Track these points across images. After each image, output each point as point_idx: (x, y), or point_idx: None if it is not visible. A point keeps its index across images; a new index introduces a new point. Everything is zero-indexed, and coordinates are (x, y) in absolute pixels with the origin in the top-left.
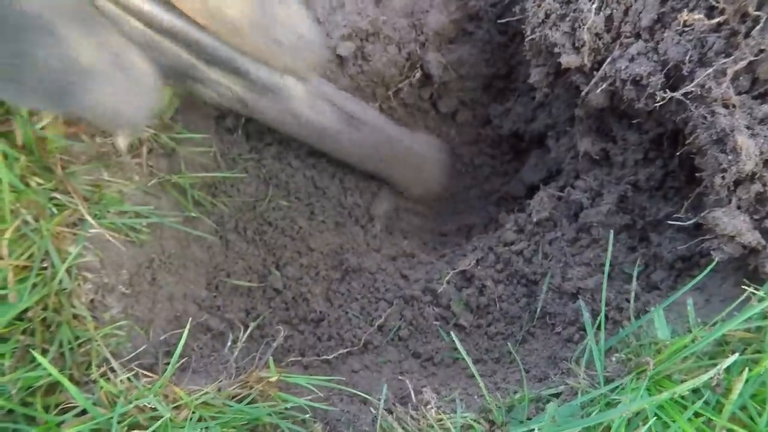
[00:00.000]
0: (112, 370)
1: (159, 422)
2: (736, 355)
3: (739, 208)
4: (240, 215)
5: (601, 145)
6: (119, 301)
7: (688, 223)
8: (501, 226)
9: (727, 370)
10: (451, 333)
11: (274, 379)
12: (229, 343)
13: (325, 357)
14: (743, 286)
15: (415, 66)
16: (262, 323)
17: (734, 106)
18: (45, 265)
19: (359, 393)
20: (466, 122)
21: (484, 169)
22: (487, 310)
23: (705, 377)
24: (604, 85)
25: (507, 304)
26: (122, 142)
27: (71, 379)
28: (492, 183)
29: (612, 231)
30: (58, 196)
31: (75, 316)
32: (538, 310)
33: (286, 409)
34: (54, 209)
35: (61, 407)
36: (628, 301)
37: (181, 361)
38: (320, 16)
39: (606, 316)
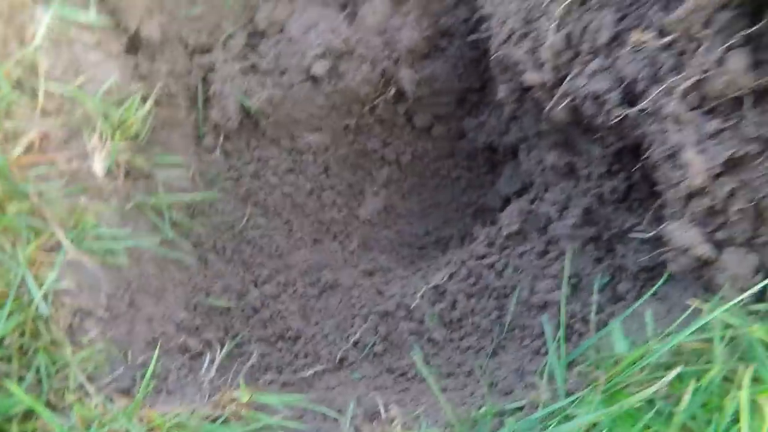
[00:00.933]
0: (87, 394)
1: None
2: (680, 368)
3: (693, 221)
4: (218, 235)
5: (567, 158)
6: (97, 324)
7: (650, 234)
8: (474, 240)
9: (680, 380)
10: (415, 351)
11: (245, 400)
12: (206, 364)
13: (301, 375)
14: (689, 300)
15: (389, 83)
16: (240, 342)
17: (685, 122)
18: (22, 290)
19: (327, 412)
20: (441, 136)
21: (461, 182)
22: (459, 324)
23: (651, 390)
24: (565, 101)
25: (479, 317)
26: (98, 166)
27: (48, 404)
28: (469, 195)
29: (571, 245)
30: (33, 222)
31: (52, 342)
32: (507, 323)
33: (257, 429)
34: (30, 235)
35: None
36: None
37: (155, 383)
38: (294, 35)
39: (571, 329)
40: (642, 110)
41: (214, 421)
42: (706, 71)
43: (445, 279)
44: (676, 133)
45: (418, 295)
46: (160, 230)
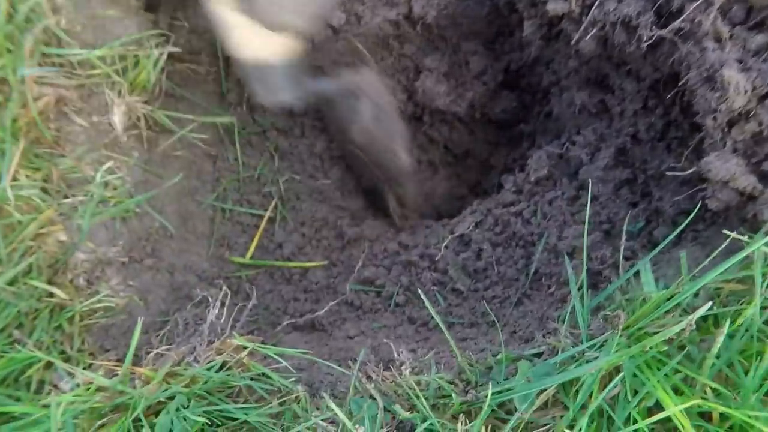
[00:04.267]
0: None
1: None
2: (709, 304)
3: (735, 151)
4: (242, 188)
5: (599, 96)
6: (118, 273)
7: (688, 172)
8: (501, 188)
9: (716, 323)
10: (435, 300)
11: (245, 352)
12: (215, 311)
13: (321, 323)
14: (725, 232)
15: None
16: (263, 293)
17: (726, 38)
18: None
19: (330, 364)
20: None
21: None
22: (484, 274)
23: (676, 329)
24: (594, 31)
25: (504, 267)
26: (118, 120)
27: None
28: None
29: (590, 183)
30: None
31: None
32: (533, 271)
33: (258, 375)
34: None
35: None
36: (625, 258)
37: (168, 332)
38: None
39: (601, 275)
40: (678, 31)
41: (220, 368)
42: None
43: (470, 228)
44: (715, 51)
45: (443, 245)
46: (182, 183)
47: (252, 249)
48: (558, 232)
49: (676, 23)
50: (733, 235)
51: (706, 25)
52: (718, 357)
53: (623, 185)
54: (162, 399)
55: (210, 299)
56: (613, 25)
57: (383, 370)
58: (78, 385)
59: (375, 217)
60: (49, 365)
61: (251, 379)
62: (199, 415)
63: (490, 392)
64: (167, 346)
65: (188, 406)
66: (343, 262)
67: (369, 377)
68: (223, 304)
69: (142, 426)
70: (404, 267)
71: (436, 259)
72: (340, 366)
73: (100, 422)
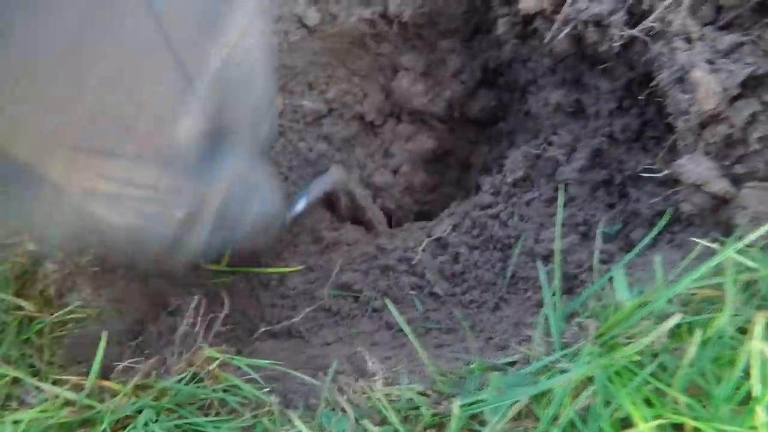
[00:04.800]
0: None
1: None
2: (680, 315)
3: (707, 153)
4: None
5: (574, 96)
6: (90, 282)
7: (662, 174)
8: (479, 189)
9: (689, 331)
10: (388, 306)
11: (215, 363)
12: (187, 321)
13: (298, 330)
14: (694, 239)
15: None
16: (240, 299)
17: (695, 39)
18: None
19: (303, 376)
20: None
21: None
22: (462, 278)
23: (648, 339)
24: (566, 29)
25: (482, 270)
26: None
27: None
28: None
29: (561, 187)
30: None
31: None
32: (509, 275)
33: (230, 386)
34: None
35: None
36: (602, 262)
37: (141, 344)
38: None
39: (577, 279)
40: (648, 31)
41: (190, 380)
42: None
43: (447, 231)
44: (685, 51)
45: (420, 248)
46: None
47: (227, 255)
48: (535, 235)
49: (647, 22)
50: (702, 242)
51: (676, 24)
52: (691, 367)
53: (600, 186)
54: (130, 413)
55: (182, 308)
56: (585, 23)
57: (356, 380)
58: (46, 400)
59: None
60: (16, 380)
61: (223, 391)
62: (168, 430)
63: (457, 405)
64: (137, 359)
65: (157, 420)
66: (321, 267)
67: (341, 390)
68: (197, 312)
69: None
70: (382, 271)
71: (414, 262)
72: (315, 376)
73: None
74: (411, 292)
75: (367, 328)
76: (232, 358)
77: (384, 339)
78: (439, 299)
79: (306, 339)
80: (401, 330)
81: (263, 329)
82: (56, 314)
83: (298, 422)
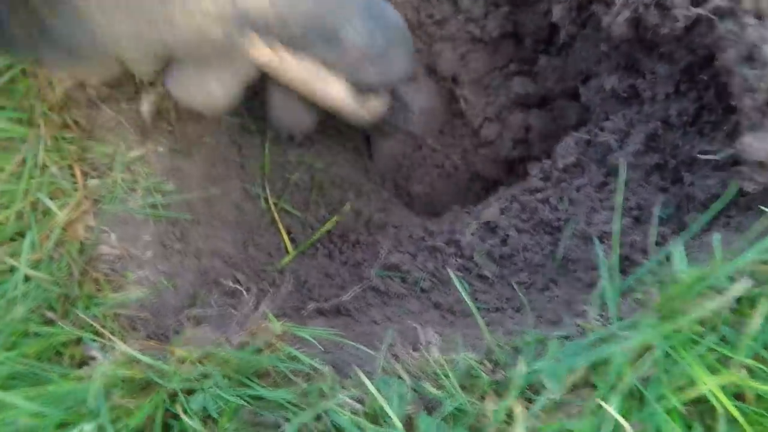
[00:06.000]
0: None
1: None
2: (749, 283)
3: None
4: (268, 176)
5: (629, 81)
6: (147, 258)
7: (720, 156)
8: (527, 175)
9: (751, 304)
10: (454, 279)
11: (277, 332)
12: (245, 296)
13: (347, 308)
14: (762, 208)
15: None
16: (289, 277)
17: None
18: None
19: (357, 344)
20: None
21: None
22: (510, 260)
23: (710, 306)
24: (626, 13)
25: (531, 253)
26: (146, 109)
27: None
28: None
29: (622, 162)
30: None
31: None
32: (559, 256)
33: (288, 357)
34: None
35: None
36: (657, 244)
37: (197, 315)
38: None
39: (630, 260)
40: (715, 10)
41: (249, 352)
42: None
43: (496, 215)
44: (754, 28)
45: (468, 231)
46: (209, 169)
47: (287, 241)
48: (586, 218)
49: (714, 1)
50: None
51: (747, 1)
52: (755, 340)
53: (653, 171)
54: (196, 377)
55: (240, 284)
56: (646, 6)
57: (406, 349)
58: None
59: (400, 204)
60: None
61: (282, 361)
62: (231, 396)
63: (522, 369)
64: (199, 328)
65: (222, 387)
66: (369, 247)
67: (396, 357)
68: (250, 290)
69: (176, 402)
70: (430, 253)
71: (462, 245)
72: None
73: (133, 396)
74: (459, 273)
75: (415, 308)
76: (295, 328)
77: (433, 318)
78: (487, 281)
79: (355, 318)
80: (449, 310)
81: (312, 306)
82: (116, 287)
83: (363, 377)
